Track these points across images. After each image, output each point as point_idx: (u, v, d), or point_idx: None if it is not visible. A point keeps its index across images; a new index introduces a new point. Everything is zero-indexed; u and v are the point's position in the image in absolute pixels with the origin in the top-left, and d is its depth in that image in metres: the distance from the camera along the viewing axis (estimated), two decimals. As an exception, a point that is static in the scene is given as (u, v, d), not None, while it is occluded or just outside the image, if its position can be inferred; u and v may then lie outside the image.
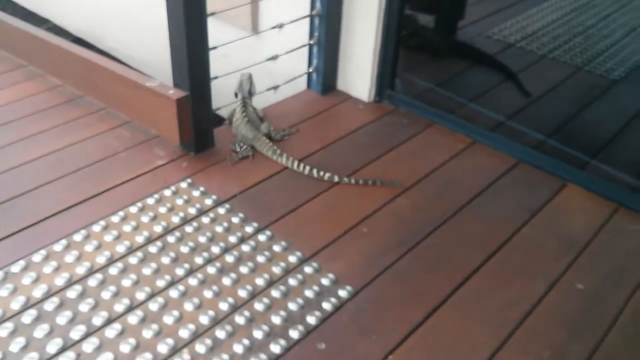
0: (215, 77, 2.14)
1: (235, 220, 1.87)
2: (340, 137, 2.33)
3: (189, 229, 1.83)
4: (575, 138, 2.41)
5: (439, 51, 2.99)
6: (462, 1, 3.12)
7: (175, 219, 1.86)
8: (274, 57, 2.38)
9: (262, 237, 1.81)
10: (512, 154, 2.27)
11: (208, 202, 1.94)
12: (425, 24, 3.02)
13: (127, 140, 2.26)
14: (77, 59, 2.43)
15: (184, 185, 2.02)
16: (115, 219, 1.86)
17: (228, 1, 2.37)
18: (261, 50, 2.80)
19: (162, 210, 1.90)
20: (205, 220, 1.87)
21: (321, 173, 2.06)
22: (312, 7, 2.44)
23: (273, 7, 2.73)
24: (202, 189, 2.00)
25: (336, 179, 2.05)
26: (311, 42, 2.49)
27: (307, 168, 2.07)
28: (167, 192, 1.98)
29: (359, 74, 2.54)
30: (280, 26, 2.36)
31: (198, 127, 2.11)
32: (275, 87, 2.43)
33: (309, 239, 1.82)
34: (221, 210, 1.91)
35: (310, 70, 2.56)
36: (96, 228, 1.82)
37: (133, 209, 1.90)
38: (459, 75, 2.83)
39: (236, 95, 2.36)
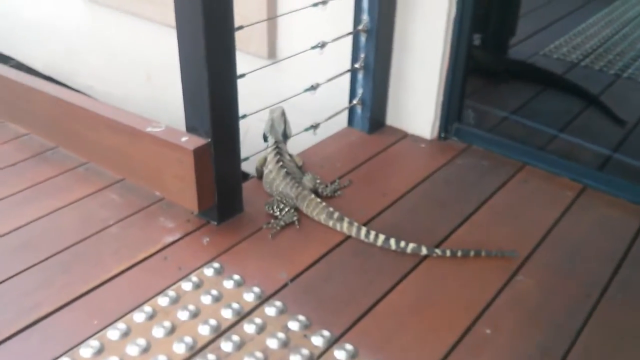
0: (244, 116, 1.53)
1: (293, 326, 1.25)
2: (409, 188, 1.73)
3: (227, 346, 1.20)
4: None
5: (497, 73, 2.45)
6: (514, 16, 2.61)
7: (205, 331, 1.23)
8: (314, 87, 1.79)
9: (340, 355, 1.18)
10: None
11: (248, 298, 1.32)
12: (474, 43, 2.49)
13: (120, 208, 1.63)
14: (47, 99, 1.80)
15: (208, 272, 1.39)
16: (113, 334, 1.22)
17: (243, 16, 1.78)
18: (278, 79, 2.23)
19: (183, 316, 1.27)
20: (249, 329, 1.24)
21: (402, 244, 1.45)
22: (357, 21, 1.87)
23: (296, 25, 2.16)
24: (236, 277, 1.37)
25: (424, 251, 1.45)
26: (356, 65, 1.91)
27: (381, 237, 1.47)
28: (187, 286, 1.35)
29: (418, 104, 1.96)
30: (322, 45, 1.78)
31: (223, 186, 1.50)
32: (315, 126, 1.83)
33: (411, 354, 1.20)
34: (270, 311, 1.28)
35: (355, 102, 1.97)
36: (85, 352, 1.18)
37: (138, 317, 1.26)
38: (533, 101, 2.28)
39: (265, 138, 1.76)
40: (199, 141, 1.41)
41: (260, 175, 1.74)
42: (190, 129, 1.45)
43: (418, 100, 1.96)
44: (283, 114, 1.76)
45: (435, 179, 1.79)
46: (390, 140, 1.98)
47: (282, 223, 1.54)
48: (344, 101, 2.02)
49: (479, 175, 1.81)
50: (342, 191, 1.70)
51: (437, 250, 1.45)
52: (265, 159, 1.73)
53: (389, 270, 1.42)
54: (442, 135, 1.98)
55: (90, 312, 1.29)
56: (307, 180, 1.66)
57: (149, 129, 1.48)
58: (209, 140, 1.42)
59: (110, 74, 3.11)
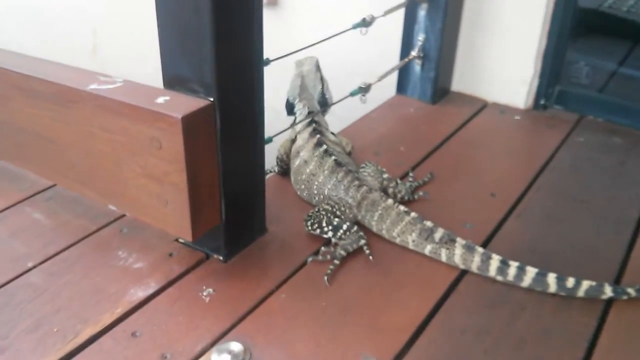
0: (267, 61, 0.84)
1: None
2: (526, 183, 1.08)
3: None
4: None
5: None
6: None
7: None
8: (367, 22, 1.11)
9: None
10: None
11: (312, 418, 0.63)
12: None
13: (47, 235, 0.93)
14: None
15: (222, 363, 0.70)
16: None
17: None
18: (280, 30, 1.59)
19: None
20: None
21: (569, 283, 0.80)
22: None
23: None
24: (279, 371, 0.69)
25: (608, 292, 0.80)
26: (418, -3, 1.25)
27: (530, 272, 0.81)
28: (181, 398, 0.66)
29: (507, 59, 1.32)
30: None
31: (237, 189, 0.82)
32: (365, 88, 1.15)
33: None
34: None
35: (414, 54, 1.31)
36: None
37: None
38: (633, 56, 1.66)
39: (291, 108, 1.08)
40: (191, 103, 0.72)
41: (284, 168, 1.06)
42: (173, 81, 0.76)
43: (507, 53, 1.31)
44: (318, 67, 1.09)
45: (556, 167, 1.14)
46: (466, 112, 1.33)
47: (341, 252, 0.86)
48: (389, 58, 1.36)
49: (618, 158, 1.18)
50: (425, 191, 1.03)
51: (630, 290, 0.80)
52: (292, 142, 1.05)
53: (562, 333, 0.76)
54: (542, 102, 1.33)
55: None
56: (370, 173, 0.99)
57: (92, 88, 0.78)
58: (211, 100, 0.73)
59: (45, 53, 2.36)
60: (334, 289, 0.82)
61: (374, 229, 0.91)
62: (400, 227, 0.88)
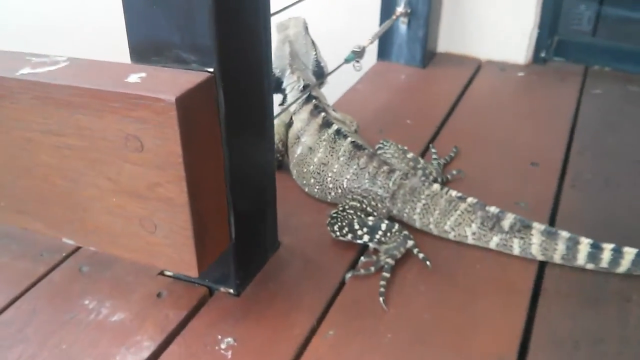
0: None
1: None
2: (563, 147, 0.91)
3: None
4: None
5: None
6: None
7: None
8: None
9: None
10: None
11: None
12: None
13: (-24, 289, 0.67)
14: None
15: None
16: None
17: None
18: None
19: None
20: None
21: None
22: None
23: None
24: None
25: None
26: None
27: (629, 255, 0.64)
28: None
29: (502, 12, 1.15)
30: None
31: (247, 195, 0.59)
32: (360, 52, 0.94)
33: None
34: None
35: (401, 10, 1.11)
36: None
37: None
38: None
39: (279, 83, 0.86)
40: (184, 77, 0.49)
41: (279, 160, 0.84)
42: (146, 49, 0.52)
43: (502, 3, 1.14)
44: (307, 29, 0.87)
45: (587, 124, 0.98)
46: (463, 74, 1.15)
47: (388, 261, 0.66)
48: (366, 20, 1.16)
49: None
50: (458, 169, 0.84)
51: None
52: (287, 126, 0.83)
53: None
54: (542, 55, 1.18)
55: None
56: (393, 155, 0.79)
57: (23, 73, 0.53)
58: (211, 72, 0.50)
59: None
60: (393, 312, 0.61)
61: (417, 224, 0.71)
62: (454, 218, 0.69)
